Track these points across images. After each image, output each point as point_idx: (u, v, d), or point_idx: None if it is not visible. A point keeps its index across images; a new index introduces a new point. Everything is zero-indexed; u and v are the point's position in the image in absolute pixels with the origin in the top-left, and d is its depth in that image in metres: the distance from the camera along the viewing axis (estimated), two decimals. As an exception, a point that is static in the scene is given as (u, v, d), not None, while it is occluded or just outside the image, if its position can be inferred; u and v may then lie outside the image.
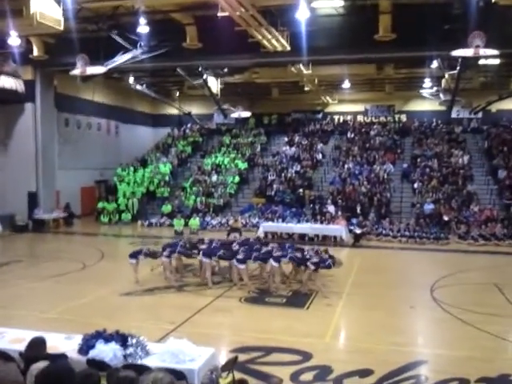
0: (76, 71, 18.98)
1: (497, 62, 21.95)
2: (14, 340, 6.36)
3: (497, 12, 17.06)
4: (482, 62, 21.53)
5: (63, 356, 5.78)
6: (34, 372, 5.13)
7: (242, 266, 12.83)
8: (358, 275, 12.24)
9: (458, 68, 21.67)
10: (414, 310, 11.46)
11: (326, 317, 10.89)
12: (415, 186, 26.17)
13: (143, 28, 18.74)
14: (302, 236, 21.16)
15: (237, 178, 29.06)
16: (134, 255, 13.57)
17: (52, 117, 25.95)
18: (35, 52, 21.35)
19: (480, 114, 31.69)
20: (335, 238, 21.10)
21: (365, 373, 7.83)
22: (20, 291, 12.74)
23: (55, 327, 8.77)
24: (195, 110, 34.40)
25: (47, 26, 14.16)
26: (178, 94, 35.55)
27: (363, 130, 32.90)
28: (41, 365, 5.26)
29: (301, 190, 26.58)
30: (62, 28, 14.51)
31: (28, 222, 24.31)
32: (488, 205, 24.29)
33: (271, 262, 12.86)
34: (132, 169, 30.45)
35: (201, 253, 13.54)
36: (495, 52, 16.34)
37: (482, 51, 15.61)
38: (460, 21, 16.96)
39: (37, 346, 5.66)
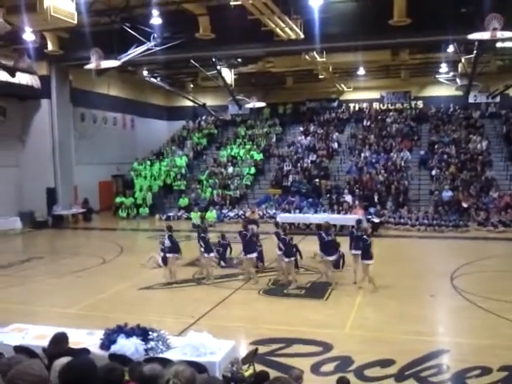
0: (90, 65, 19.01)
1: (515, 44, 21.56)
2: (38, 336, 6.45)
3: (514, -7, 16.78)
4: (499, 44, 21.14)
5: (85, 351, 5.84)
6: (57, 368, 5.16)
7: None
8: (376, 265, 12.14)
9: (474, 52, 21.34)
10: (434, 299, 11.37)
11: (345, 307, 10.87)
12: (433, 173, 25.89)
13: (156, 20, 18.73)
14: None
15: (253, 170, 29.02)
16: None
17: (68, 112, 26.09)
18: (50, 47, 21.41)
19: (498, 99, 31.18)
20: (353, 227, 20.93)
21: (386, 363, 7.79)
22: (41, 287, 12.90)
23: (77, 323, 8.88)
24: (209, 101, 34.34)
25: (61, 20, 14.17)
26: (192, 85, 35.54)
27: (379, 117, 32.57)
28: (64, 360, 5.28)
29: (317, 180, 26.43)
30: (75, 22, 14.52)
31: (47, 218, 24.54)
32: (507, 191, 23.93)
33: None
34: (148, 163, 30.53)
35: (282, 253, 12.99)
36: (513, 34, 16.01)
37: (500, 34, 15.30)
38: (476, 3, 16.60)
39: (59, 342, 5.70)
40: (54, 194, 24.97)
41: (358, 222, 14.15)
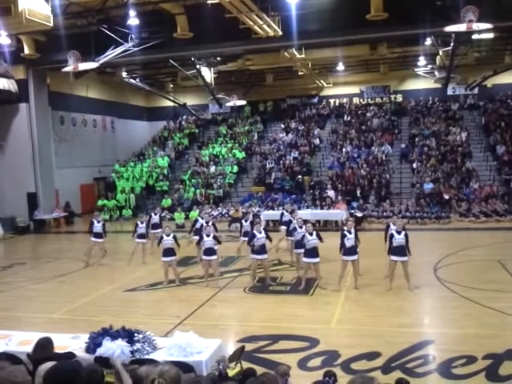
0: (68, 68, 18.84)
1: (490, 36, 21.84)
2: (22, 342, 6.39)
3: (489, -14, 16.97)
4: (475, 36, 21.42)
5: (71, 355, 5.79)
6: (41, 373, 5.13)
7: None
8: (360, 258, 12.21)
9: (451, 44, 21.56)
10: (418, 291, 11.47)
11: (330, 302, 10.91)
12: (414, 165, 26.12)
13: (133, 20, 18.58)
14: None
15: (235, 168, 29.01)
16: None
17: (47, 116, 25.82)
18: (26, 51, 21.16)
19: (476, 90, 31.53)
20: (336, 222, 21.09)
21: (372, 355, 7.85)
22: (24, 293, 12.77)
23: (61, 327, 8.82)
24: (190, 101, 34.24)
25: (37, 23, 14.05)
26: (171, 85, 35.43)
27: (359, 112, 32.75)
28: (48, 365, 5.26)
29: (300, 177, 26.51)
30: (51, 24, 14.39)
31: (29, 223, 24.29)
32: (488, 181, 24.26)
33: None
34: (132, 164, 30.35)
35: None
36: (488, 26, 16.17)
37: (475, 25, 15.45)
38: (452, -4, 16.81)
39: (44, 347, 5.66)
40: (35, 199, 24.70)
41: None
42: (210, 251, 12.43)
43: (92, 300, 11.81)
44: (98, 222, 16.22)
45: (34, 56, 21.54)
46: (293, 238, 13.79)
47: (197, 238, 14.07)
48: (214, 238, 12.62)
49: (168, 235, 12.95)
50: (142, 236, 16.03)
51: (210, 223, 14.07)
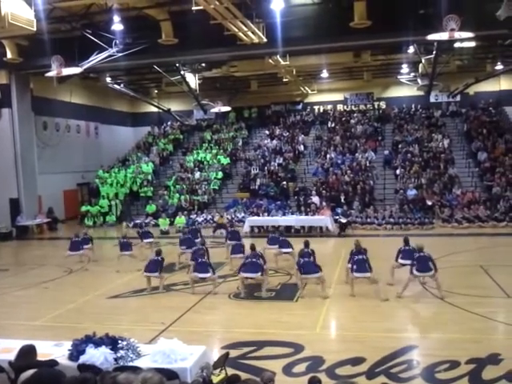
0: (51, 73, 18.68)
1: (472, 44, 22.10)
2: (4, 350, 6.30)
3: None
4: (457, 45, 21.68)
5: (53, 363, 5.73)
6: (23, 380, 5.08)
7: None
8: (345, 264, 12.27)
9: (434, 52, 21.81)
10: (402, 296, 11.51)
11: (315, 308, 10.92)
12: (397, 172, 26.31)
13: (117, 26, 18.52)
14: (288, 228, 21.13)
15: (220, 174, 28.98)
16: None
17: (30, 121, 25.57)
18: (9, 55, 20.97)
19: (458, 98, 31.98)
20: (321, 228, 21.16)
21: (357, 361, 7.87)
22: (7, 300, 12.61)
23: (44, 334, 8.73)
24: (174, 106, 34.18)
25: (19, 28, 13.87)
26: (156, 91, 35.38)
27: (343, 118, 32.98)
28: (30, 373, 5.20)
29: (284, 183, 26.57)
30: (34, 29, 14.22)
31: (11, 229, 23.98)
32: (470, 187, 24.51)
33: None
34: (116, 170, 30.17)
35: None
36: (470, 34, 16.41)
37: (457, 34, 15.65)
38: (434, 5, 17.01)
39: (26, 355, 5.61)
40: (18, 205, 24.41)
41: None
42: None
43: (76, 307, 11.69)
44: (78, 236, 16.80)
45: (16, 60, 21.36)
46: None
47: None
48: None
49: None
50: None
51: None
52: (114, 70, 25.87)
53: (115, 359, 5.87)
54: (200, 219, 24.50)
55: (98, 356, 5.82)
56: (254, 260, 12.16)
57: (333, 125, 32.41)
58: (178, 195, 27.18)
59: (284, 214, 22.41)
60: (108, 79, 28.21)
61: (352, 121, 32.33)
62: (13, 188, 24.29)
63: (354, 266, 11.63)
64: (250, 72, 28.06)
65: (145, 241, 17.58)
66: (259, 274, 12.04)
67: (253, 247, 12.83)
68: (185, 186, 27.93)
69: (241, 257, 13.99)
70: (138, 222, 25.10)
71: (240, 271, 12.23)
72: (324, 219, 21.33)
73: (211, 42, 19.92)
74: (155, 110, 34.66)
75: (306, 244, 12.96)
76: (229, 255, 15.33)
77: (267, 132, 33.05)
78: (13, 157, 24.25)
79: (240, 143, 32.57)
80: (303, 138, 31.41)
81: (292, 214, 22.64)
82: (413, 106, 32.87)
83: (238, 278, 12.59)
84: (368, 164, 27.11)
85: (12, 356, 5.69)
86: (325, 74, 30.11)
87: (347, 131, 31.18)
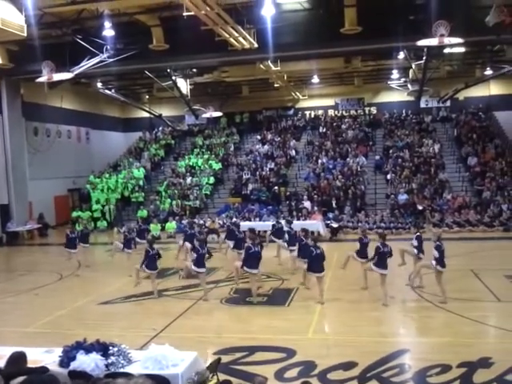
0: (42, 78, 18.64)
1: (462, 50, 22.32)
2: (-7, 357, 6.23)
3: (460, 1, 17.35)
4: (447, 50, 21.87)
5: (44, 369, 5.69)
6: (13, 388, 5.04)
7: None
8: (336, 269, 12.30)
9: (424, 58, 21.94)
10: (394, 300, 11.54)
11: (307, 313, 10.93)
12: (388, 177, 26.42)
13: (108, 31, 18.50)
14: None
15: (212, 179, 28.96)
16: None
17: (20, 126, 25.46)
18: (-1, 61, 20.95)
19: (448, 103, 32.15)
20: (313, 232, 21.12)
21: (349, 365, 7.87)
22: (-3, 306, 12.51)
23: (35, 341, 8.66)
24: (166, 112, 34.13)
25: (10, 33, 13.86)
26: (147, 96, 35.31)
27: (334, 124, 33.11)
28: (20, 380, 5.16)
29: (276, 188, 26.61)
30: (25, 34, 14.22)
31: (1, 235, 23.82)
32: (460, 192, 24.66)
33: None
34: (107, 175, 30.05)
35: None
36: (459, 40, 16.55)
37: (447, 40, 15.79)
38: (424, 11, 17.17)
39: (17, 362, 5.55)
40: (8, 211, 24.29)
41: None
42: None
43: (66, 313, 11.62)
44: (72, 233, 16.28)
45: (7, 66, 21.30)
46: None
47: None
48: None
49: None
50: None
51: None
52: (105, 75, 25.81)
53: (106, 365, 5.84)
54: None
55: (88, 362, 5.79)
56: (256, 249, 12.09)
57: (324, 130, 32.53)
58: (169, 200, 27.13)
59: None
60: (99, 84, 28.16)
61: (343, 126, 32.45)
62: (3, 194, 24.17)
63: (376, 258, 11.57)
64: (242, 77, 28.11)
65: (126, 250, 16.19)
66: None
67: (252, 231, 13.46)
68: (176, 192, 27.88)
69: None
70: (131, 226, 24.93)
71: (244, 266, 12.21)
72: (315, 224, 21.32)
73: (202, 48, 19.94)
74: (146, 115, 34.61)
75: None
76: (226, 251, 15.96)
77: (259, 137, 33.09)
78: (3, 162, 24.15)
79: (232, 148, 32.59)
80: (295, 143, 31.49)
81: (283, 218, 22.56)
82: (403, 111, 33.05)
83: (233, 278, 12.79)
84: (359, 169, 27.20)
85: (2, 363, 5.64)
86: (316, 79, 30.23)
87: (338, 136, 31.29)
